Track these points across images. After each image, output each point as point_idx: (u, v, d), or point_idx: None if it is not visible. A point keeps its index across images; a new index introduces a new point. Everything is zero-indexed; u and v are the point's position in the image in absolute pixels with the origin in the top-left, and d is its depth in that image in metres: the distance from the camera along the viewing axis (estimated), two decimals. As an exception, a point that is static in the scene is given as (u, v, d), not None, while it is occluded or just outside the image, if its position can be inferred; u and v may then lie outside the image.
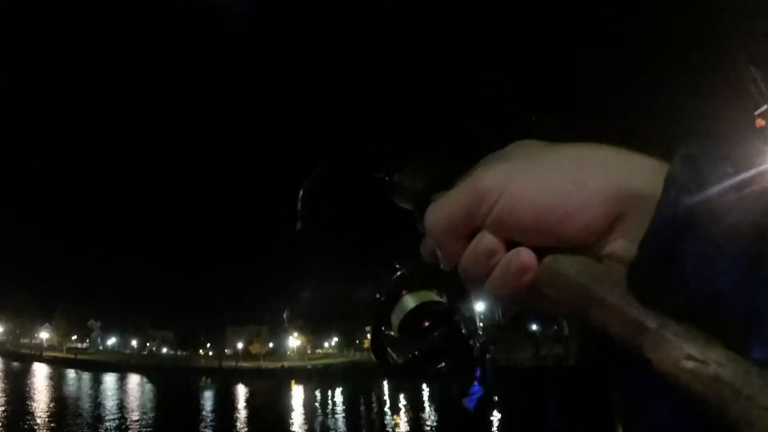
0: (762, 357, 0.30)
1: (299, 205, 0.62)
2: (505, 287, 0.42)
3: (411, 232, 0.53)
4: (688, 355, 0.31)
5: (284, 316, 0.63)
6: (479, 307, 0.63)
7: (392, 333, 0.61)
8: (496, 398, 0.59)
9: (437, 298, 0.60)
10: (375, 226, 0.68)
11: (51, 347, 70.01)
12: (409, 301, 0.61)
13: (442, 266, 0.48)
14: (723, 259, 0.32)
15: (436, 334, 0.58)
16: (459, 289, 0.60)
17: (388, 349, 0.62)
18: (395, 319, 0.60)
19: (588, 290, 0.37)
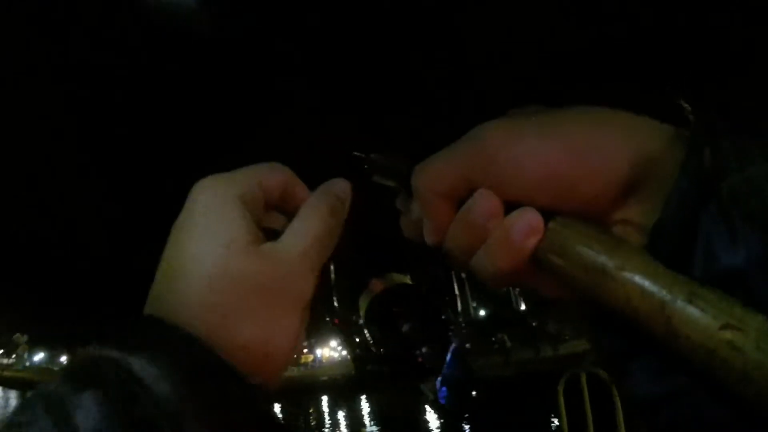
0: None
1: None
2: (504, 255, 0.36)
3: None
4: (725, 324, 0.27)
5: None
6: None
7: (360, 320, 0.55)
8: (474, 393, 0.53)
9: (409, 282, 0.55)
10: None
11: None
12: (377, 285, 0.55)
13: (426, 240, 0.42)
14: (754, 225, 0.28)
15: (405, 321, 0.52)
16: (436, 273, 0.54)
17: (356, 339, 0.55)
18: (362, 303, 0.54)
19: (604, 257, 0.32)
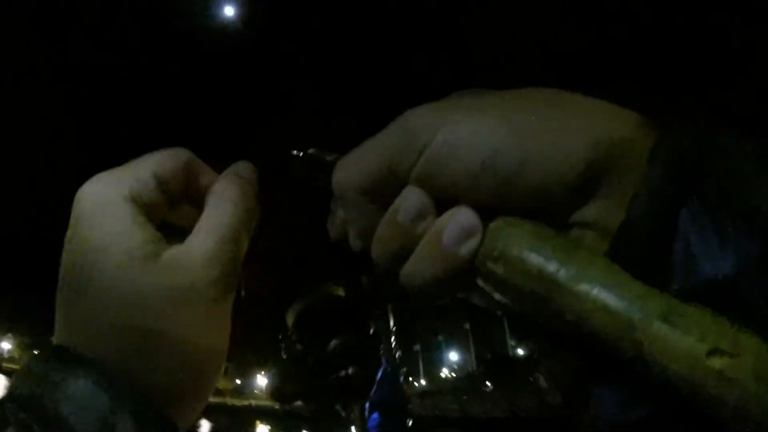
0: None
1: None
2: (436, 263, 0.29)
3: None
4: (714, 348, 0.21)
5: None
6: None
7: (288, 331, 0.50)
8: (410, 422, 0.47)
9: (341, 294, 0.50)
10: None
11: (11, 359, 67.85)
12: (309, 296, 0.50)
13: (351, 245, 0.35)
14: (747, 225, 0.23)
15: (332, 338, 0.47)
16: (370, 283, 0.49)
17: (283, 355, 0.50)
18: (290, 316, 0.50)
19: (555, 264, 0.25)
